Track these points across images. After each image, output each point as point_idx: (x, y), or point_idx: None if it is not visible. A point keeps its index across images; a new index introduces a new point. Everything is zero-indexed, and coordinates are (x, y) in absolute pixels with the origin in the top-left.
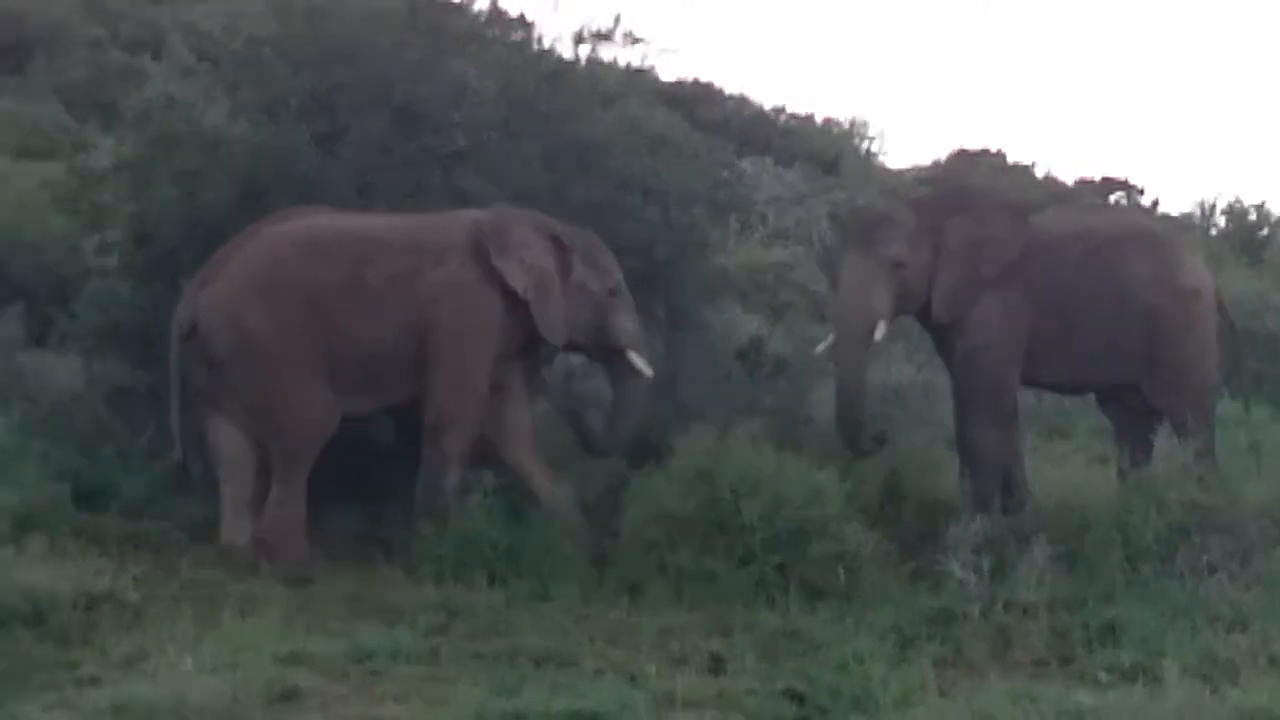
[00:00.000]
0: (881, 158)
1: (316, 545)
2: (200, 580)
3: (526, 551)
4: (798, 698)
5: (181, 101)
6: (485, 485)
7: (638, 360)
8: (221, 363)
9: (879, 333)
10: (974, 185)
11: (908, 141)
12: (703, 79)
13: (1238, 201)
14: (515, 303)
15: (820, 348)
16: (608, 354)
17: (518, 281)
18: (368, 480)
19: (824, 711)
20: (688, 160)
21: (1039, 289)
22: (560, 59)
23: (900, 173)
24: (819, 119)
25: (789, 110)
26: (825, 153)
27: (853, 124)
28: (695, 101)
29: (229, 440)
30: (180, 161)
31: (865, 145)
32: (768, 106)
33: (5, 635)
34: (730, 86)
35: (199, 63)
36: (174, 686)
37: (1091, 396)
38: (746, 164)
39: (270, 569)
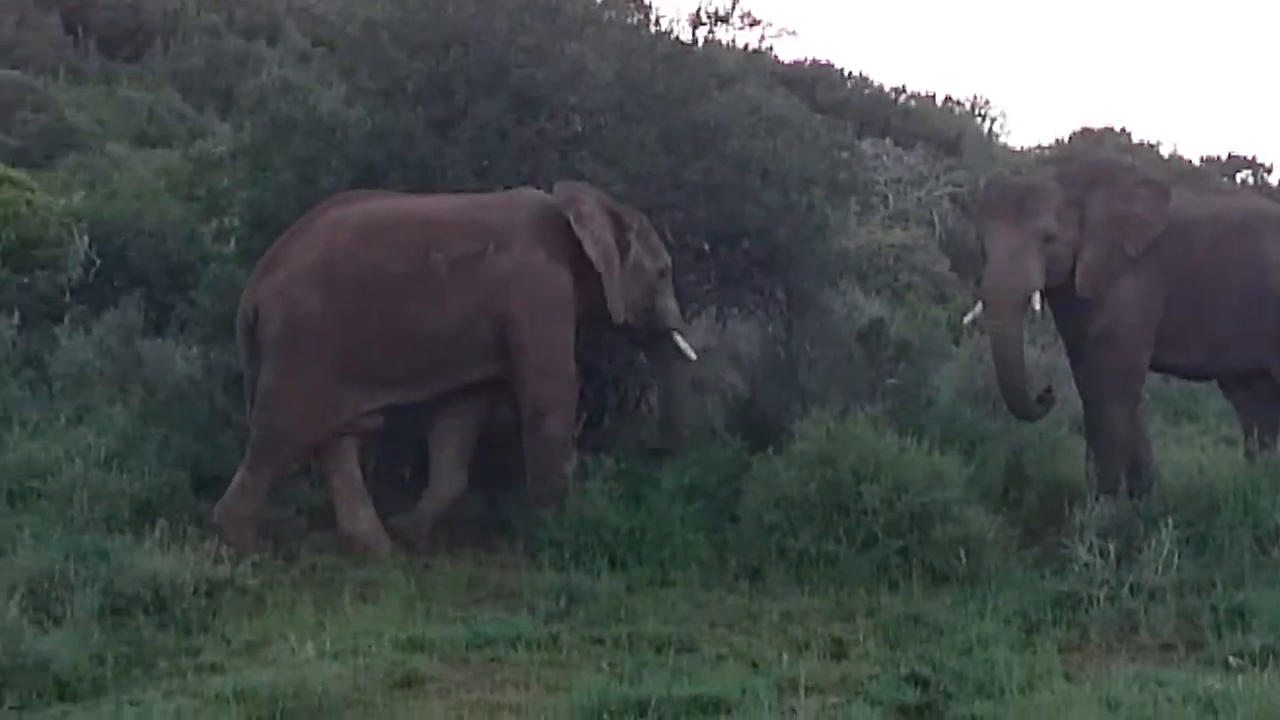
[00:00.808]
0: (1003, 137)
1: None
2: (320, 566)
3: (647, 536)
4: (921, 682)
5: (298, 86)
6: (606, 470)
7: (683, 343)
8: (270, 346)
9: (1035, 303)
10: (1116, 160)
11: (1030, 120)
12: (822, 60)
13: None
14: (580, 278)
15: (968, 318)
16: (652, 336)
17: (593, 250)
18: (487, 465)
19: (948, 696)
20: (807, 142)
21: (1174, 272)
22: (677, 41)
23: (1023, 152)
24: (939, 99)
25: (909, 90)
26: (946, 133)
27: (974, 103)
28: (814, 82)
29: None
30: (297, 147)
31: (987, 124)
32: (888, 87)
33: (127, 622)
34: (850, 67)
35: (314, 48)
36: (295, 673)
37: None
38: (866, 145)
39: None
